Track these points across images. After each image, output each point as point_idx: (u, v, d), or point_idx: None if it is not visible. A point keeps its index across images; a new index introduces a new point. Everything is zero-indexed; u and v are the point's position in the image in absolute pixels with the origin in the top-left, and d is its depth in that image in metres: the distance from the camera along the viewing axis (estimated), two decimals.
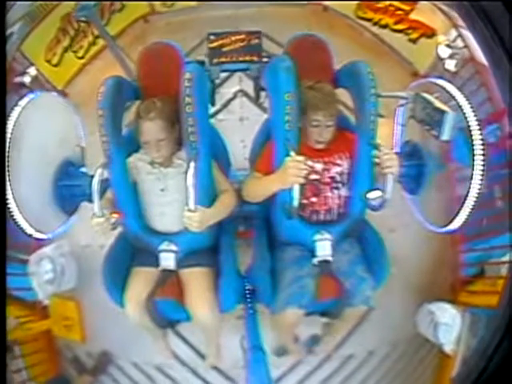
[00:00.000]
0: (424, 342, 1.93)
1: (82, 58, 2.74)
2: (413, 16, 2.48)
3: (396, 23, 2.58)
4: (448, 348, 1.80)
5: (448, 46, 2.16)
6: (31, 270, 1.90)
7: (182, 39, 2.50)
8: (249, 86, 2.40)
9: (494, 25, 0.74)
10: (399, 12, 2.53)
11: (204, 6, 2.90)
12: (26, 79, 2.22)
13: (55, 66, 2.59)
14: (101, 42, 2.67)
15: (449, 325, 1.79)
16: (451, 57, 2.15)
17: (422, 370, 1.98)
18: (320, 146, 1.29)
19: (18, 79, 2.20)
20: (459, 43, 2.12)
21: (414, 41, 2.52)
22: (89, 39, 2.73)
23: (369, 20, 2.71)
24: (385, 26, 2.65)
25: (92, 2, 2.09)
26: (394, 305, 1.99)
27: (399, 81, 2.44)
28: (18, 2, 1.52)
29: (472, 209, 1.17)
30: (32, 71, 2.28)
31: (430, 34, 2.39)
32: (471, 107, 1.15)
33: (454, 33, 2.16)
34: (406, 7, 2.49)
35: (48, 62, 2.54)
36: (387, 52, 2.69)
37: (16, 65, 2.29)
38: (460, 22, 1.90)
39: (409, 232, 2.00)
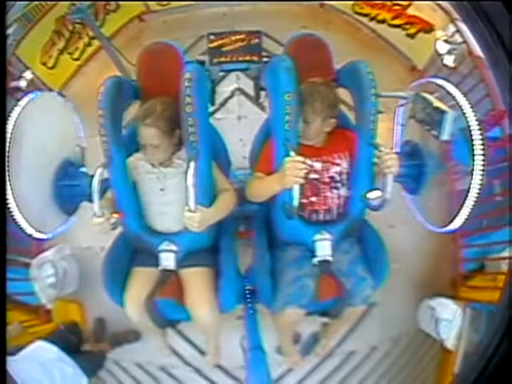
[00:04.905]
0: (425, 338, 1.94)
1: (77, 59, 2.73)
2: (410, 11, 2.46)
3: (393, 18, 2.56)
4: (449, 343, 1.81)
5: (446, 41, 2.15)
6: (33, 274, 1.90)
7: (179, 37, 2.50)
8: (246, 84, 2.40)
9: (494, 25, 0.74)
10: (396, 7, 2.52)
11: (199, 3, 2.88)
12: (22, 83, 2.21)
13: (51, 68, 2.58)
14: (96, 43, 2.66)
15: (449, 320, 1.79)
16: (449, 52, 2.14)
17: (423, 365, 2.00)
18: (304, 141, 1.28)
19: (13, 84, 2.18)
20: (457, 38, 2.10)
21: (411, 36, 2.51)
22: (84, 40, 2.71)
23: (366, 15, 2.70)
24: (382, 22, 2.64)
25: (86, 4, 2.07)
26: (395, 300, 2.00)
27: (397, 76, 2.44)
28: (17, 2, 1.49)
29: (472, 209, 1.16)
30: (28, 75, 2.26)
31: (428, 29, 2.38)
32: (471, 107, 1.14)
33: (452, 28, 2.14)
34: (403, 2, 2.48)
35: (44, 64, 2.53)
36: (385, 47, 2.68)
37: (11, 69, 2.27)
38: (458, 17, 1.89)
39: (409, 228, 2.00)
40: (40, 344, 1.56)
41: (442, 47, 2.19)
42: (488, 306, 1.60)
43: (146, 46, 1.38)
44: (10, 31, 2.16)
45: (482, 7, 0.75)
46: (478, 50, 1.39)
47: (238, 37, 1.45)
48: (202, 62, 1.47)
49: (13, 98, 1.99)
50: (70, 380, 1.54)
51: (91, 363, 1.75)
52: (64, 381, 1.50)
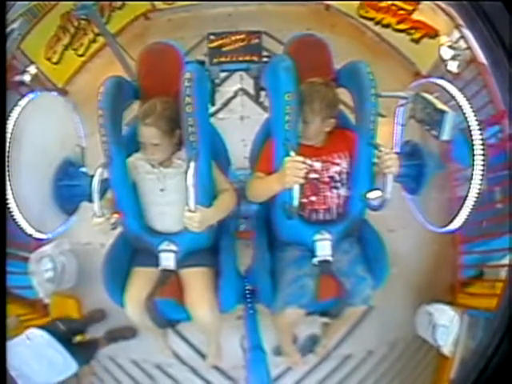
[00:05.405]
0: (422, 343, 1.94)
1: (82, 55, 2.74)
2: (415, 16, 2.47)
3: (398, 23, 2.57)
4: (446, 349, 1.80)
5: (450, 47, 2.16)
6: (32, 268, 1.91)
7: (183, 36, 2.51)
8: (249, 85, 2.38)
9: (494, 25, 0.74)
10: (402, 12, 2.52)
11: (205, 3, 2.89)
12: (26, 78, 2.22)
13: (55, 63, 2.59)
14: (101, 40, 2.67)
15: (447, 326, 1.79)
16: (453, 58, 2.14)
17: (420, 370, 1.99)
18: (304, 141, 1.28)
19: (17, 78, 2.19)
20: (462, 44, 2.11)
21: (416, 41, 2.51)
22: (89, 37, 2.73)
23: (371, 19, 2.70)
24: (387, 26, 2.64)
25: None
26: (392, 305, 1.99)
27: (401, 81, 2.43)
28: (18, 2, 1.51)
29: (472, 209, 1.16)
30: (32, 69, 2.28)
31: (433, 34, 2.39)
32: (471, 107, 1.14)
33: (456, 34, 2.15)
34: (408, 7, 2.48)
35: (48, 59, 2.54)
36: (389, 52, 2.68)
37: (16, 63, 2.28)
38: (462, 23, 1.89)
39: (408, 232, 2.00)
40: (31, 330, 1.56)
41: (446, 53, 2.19)
42: (486, 313, 1.59)
43: (146, 46, 1.39)
44: (15, 25, 2.18)
45: (482, 7, 0.76)
46: (481, 56, 1.38)
47: (238, 37, 1.45)
48: (202, 62, 1.47)
49: (16, 92, 2.01)
50: (60, 365, 1.54)
51: (83, 351, 1.74)
52: (52, 365, 1.49)
